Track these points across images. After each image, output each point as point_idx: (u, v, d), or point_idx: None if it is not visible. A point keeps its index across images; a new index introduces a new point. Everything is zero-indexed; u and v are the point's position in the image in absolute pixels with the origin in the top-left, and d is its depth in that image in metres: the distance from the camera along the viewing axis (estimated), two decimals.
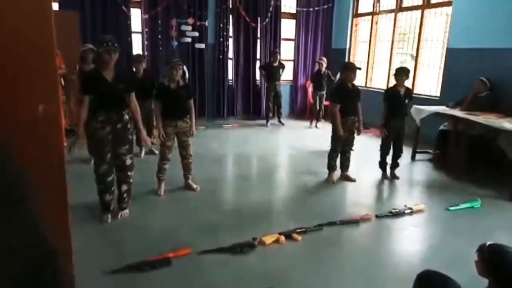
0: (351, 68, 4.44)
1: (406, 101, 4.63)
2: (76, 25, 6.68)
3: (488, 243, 1.80)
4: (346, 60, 8.68)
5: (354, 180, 4.63)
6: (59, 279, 0.44)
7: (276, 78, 7.75)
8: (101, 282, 2.52)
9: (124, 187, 3.51)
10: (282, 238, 3.14)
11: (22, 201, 0.43)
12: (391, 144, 4.75)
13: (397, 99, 4.57)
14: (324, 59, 7.92)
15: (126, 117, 3.38)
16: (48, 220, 0.57)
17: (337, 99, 4.50)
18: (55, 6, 6.86)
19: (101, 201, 3.44)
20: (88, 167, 4.22)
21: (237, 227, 3.38)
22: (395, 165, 4.82)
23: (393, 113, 4.60)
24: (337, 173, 4.74)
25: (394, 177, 4.80)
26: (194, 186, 4.21)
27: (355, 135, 4.64)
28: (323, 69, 7.73)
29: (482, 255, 1.76)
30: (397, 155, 4.78)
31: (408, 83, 4.85)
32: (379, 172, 4.88)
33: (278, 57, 7.80)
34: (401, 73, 4.55)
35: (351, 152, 4.73)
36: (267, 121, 8.04)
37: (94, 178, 3.41)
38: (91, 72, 3.45)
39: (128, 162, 3.45)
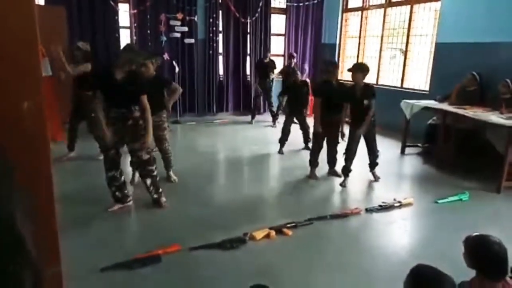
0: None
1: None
2: (63, 20, 6.58)
3: (474, 234, 1.82)
4: (336, 55, 8.71)
5: (340, 176, 4.56)
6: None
7: (267, 75, 7.62)
8: (89, 281, 2.49)
9: (148, 181, 3.59)
10: (273, 233, 3.15)
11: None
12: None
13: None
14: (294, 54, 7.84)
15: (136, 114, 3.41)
16: (34, 219, 0.54)
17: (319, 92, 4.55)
18: (42, 1, 6.74)
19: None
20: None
21: (227, 222, 3.37)
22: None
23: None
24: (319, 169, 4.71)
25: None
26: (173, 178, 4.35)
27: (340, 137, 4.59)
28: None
29: (467, 246, 1.79)
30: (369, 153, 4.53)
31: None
32: (367, 166, 4.62)
33: (269, 54, 7.73)
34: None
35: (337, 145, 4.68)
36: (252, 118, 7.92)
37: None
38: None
39: (145, 157, 3.49)
